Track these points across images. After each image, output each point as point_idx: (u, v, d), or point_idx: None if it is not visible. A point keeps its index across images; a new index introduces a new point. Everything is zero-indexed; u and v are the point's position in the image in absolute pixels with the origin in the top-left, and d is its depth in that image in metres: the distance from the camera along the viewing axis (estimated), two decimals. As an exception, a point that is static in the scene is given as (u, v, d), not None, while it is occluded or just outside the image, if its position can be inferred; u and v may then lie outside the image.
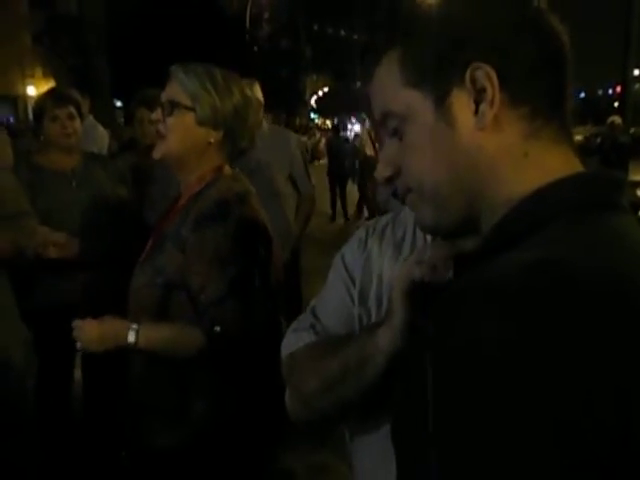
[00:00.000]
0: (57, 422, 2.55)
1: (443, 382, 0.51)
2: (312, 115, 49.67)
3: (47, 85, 25.16)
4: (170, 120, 1.54)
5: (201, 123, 1.54)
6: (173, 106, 1.53)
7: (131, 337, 1.48)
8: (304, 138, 24.66)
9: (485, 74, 0.65)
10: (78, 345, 1.53)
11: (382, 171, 0.76)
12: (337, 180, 10.97)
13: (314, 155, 23.82)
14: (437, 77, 0.68)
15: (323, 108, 50.25)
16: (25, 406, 2.13)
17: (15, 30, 32.49)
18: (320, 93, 46.29)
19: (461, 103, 0.67)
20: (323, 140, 30.11)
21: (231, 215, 1.48)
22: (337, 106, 43.81)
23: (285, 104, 27.04)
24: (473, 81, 0.66)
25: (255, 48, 24.37)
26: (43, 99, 2.63)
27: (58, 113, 2.54)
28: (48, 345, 2.30)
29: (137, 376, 1.61)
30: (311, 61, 32.44)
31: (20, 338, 2.14)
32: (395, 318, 0.81)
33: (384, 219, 1.05)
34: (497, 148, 0.66)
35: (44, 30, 24.76)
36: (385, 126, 0.75)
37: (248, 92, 1.62)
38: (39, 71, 30.64)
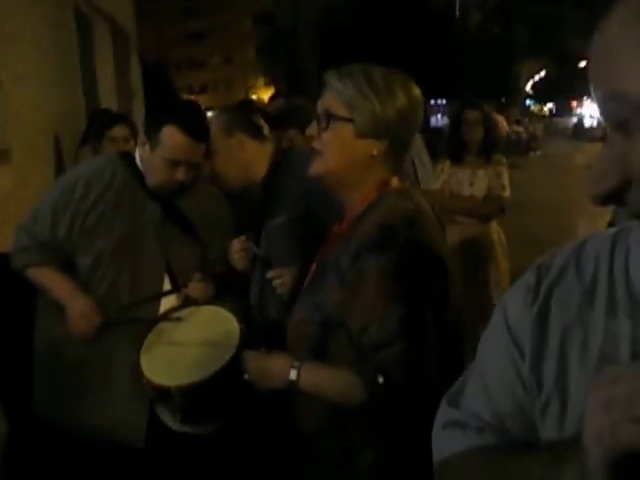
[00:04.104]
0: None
1: None
2: (527, 102, 46.72)
3: (268, 93, 27.23)
4: (326, 134, 1.35)
5: (361, 134, 1.33)
6: (329, 118, 1.34)
7: (292, 375, 1.33)
8: (519, 128, 23.37)
9: None
10: (245, 376, 1.45)
11: (599, 183, 0.54)
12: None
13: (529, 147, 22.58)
14: None
15: (540, 94, 46.90)
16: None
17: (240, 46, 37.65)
18: (537, 78, 43.00)
19: None
20: (540, 128, 28.28)
21: (397, 242, 1.24)
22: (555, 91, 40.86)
23: (498, 93, 25.76)
24: None
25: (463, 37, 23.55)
26: None
27: None
28: None
29: (301, 422, 1.45)
30: (526, 45, 30.36)
31: None
32: (591, 458, 0.52)
33: (567, 250, 0.74)
34: None
35: (265, 43, 27.37)
36: (611, 115, 0.55)
37: (415, 92, 1.37)
38: (260, 81, 34.13)
